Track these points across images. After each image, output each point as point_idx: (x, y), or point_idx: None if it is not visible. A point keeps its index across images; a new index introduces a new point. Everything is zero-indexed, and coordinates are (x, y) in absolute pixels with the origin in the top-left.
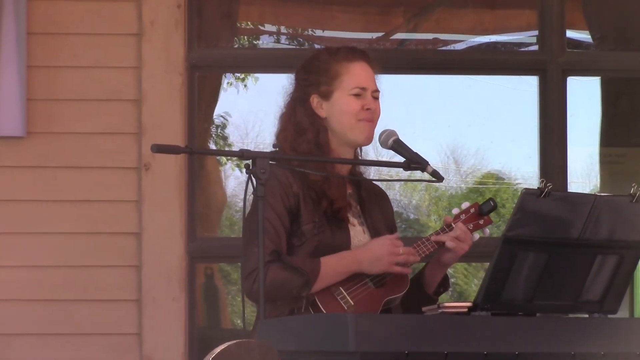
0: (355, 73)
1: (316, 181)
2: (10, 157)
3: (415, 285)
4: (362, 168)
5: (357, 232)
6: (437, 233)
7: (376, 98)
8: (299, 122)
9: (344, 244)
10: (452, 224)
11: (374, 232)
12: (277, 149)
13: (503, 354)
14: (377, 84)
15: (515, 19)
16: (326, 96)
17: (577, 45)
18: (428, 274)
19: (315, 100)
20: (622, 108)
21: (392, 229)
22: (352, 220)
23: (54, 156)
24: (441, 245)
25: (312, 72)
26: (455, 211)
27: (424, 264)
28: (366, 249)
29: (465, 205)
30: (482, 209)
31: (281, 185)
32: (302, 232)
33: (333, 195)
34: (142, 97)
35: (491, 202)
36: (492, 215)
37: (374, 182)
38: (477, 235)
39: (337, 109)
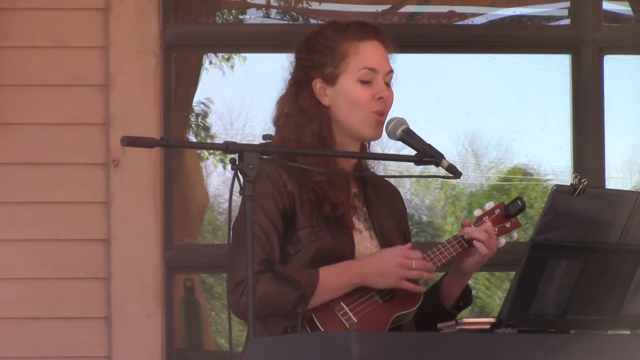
0: (366, 54)
1: (319, 181)
2: None
3: (431, 298)
4: (370, 163)
5: (364, 238)
6: (451, 241)
7: (388, 83)
8: (305, 109)
9: (347, 252)
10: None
11: (383, 238)
12: (269, 141)
13: None
14: (392, 65)
15: None
16: (331, 81)
17: (615, 18)
18: (445, 285)
19: (318, 85)
20: None
21: (404, 234)
22: (358, 224)
23: (8, 151)
24: (464, 248)
25: (316, 51)
26: (477, 212)
27: (441, 274)
28: (372, 259)
29: (489, 205)
30: (508, 210)
31: (273, 184)
32: (298, 239)
33: (336, 199)
34: (110, 81)
35: (519, 202)
36: (519, 217)
37: (384, 178)
38: (503, 241)
39: (343, 98)
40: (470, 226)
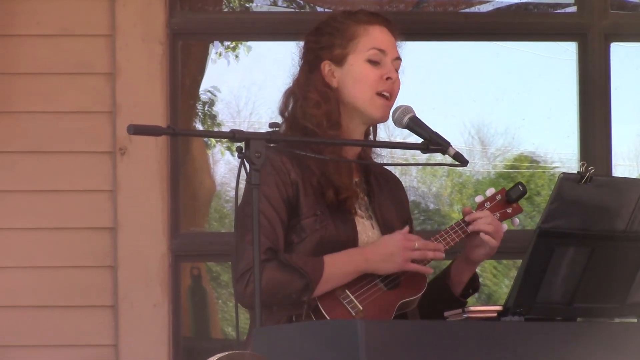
0: (375, 35)
1: (323, 166)
2: None
3: (440, 286)
4: (373, 151)
5: (365, 226)
6: (454, 227)
7: (396, 69)
8: (314, 92)
9: (350, 240)
10: None
11: (385, 228)
12: (276, 129)
13: None
14: (399, 53)
15: None
16: (339, 61)
17: (622, 5)
18: (454, 274)
19: (326, 67)
20: None
21: (406, 223)
22: (359, 213)
23: (14, 140)
24: (467, 234)
25: (325, 34)
26: (478, 199)
27: (448, 262)
28: (376, 245)
29: (490, 191)
30: (509, 196)
31: (277, 173)
32: (302, 227)
33: (339, 182)
34: (116, 70)
35: (520, 187)
36: (526, 205)
37: (385, 167)
38: (505, 226)
39: (350, 77)
40: (472, 213)
